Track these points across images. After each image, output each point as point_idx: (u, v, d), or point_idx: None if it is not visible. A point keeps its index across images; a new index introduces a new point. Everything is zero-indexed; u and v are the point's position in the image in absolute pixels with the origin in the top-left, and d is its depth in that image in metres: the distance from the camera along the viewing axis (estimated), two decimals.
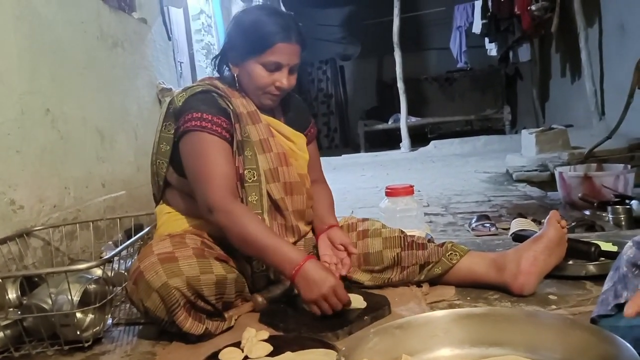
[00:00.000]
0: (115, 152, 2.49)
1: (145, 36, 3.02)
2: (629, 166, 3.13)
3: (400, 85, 7.02)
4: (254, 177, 1.47)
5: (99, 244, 2.05)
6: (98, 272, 1.40)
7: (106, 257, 1.38)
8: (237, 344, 1.18)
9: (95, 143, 2.35)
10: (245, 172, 1.47)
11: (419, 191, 2.08)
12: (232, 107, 1.48)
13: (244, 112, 1.51)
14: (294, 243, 1.54)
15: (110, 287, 1.41)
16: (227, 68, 1.55)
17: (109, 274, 1.44)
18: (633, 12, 4.51)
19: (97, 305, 1.33)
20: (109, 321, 1.43)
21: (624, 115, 2.96)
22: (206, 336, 1.29)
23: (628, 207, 2.61)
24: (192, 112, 1.43)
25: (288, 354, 1.12)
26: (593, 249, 1.52)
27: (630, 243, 0.95)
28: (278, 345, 1.17)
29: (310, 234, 1.63)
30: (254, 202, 1.47)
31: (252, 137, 1.49)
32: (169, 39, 3.39)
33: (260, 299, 1.44)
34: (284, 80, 1.47)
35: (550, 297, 1.39)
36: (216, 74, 1.60)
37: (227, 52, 1.53)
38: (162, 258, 1.28)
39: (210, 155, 1.41)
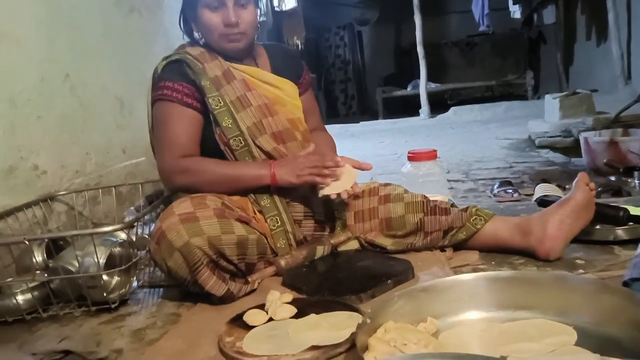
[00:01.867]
0: (135, 119, 2.48)
1: (162, 1, 2.97)
2: None
3: (420, 50, 6.89)
4: (241, 142, 1.49)
5: (121, 209, 2.06)
6: (122, 235, 1.42)
7: (130, 220, 1.39)
8: (262, 307, 1.19)
9: (114, 110, 2.35)
10: (231, 140, 1.48)
11: (439, 157, 2.05)
12: (202, 74, 1.48)
13: (219, 74, 1.51)
14: None
15: (135, 251, 1.42)
16: (193, 30, 1.56)
17: (133, 237, 1.45)
18: None
19: (123, 267, 1.34)
20: (134, 283, 1.45)
21: None
22: (229, 298, 1.30)
23: None
24: (159, 81, 1.49)
25: (312, 315, 1.13)
26: (621, 213, 1.48)
27: None
28: (302, 307, 1.17)
29: None
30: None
31: (229, 97, 1.49)
32: None
33: (283, 262, 1.45)
34: (230, 15, 1.45)
35: (578, 261, 1.36)
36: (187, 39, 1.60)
37: (183, 10, 1.55)
38: (184, 218, 1.28)
39: (167, 122, 1.47)
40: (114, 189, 1.97)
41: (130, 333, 1.23)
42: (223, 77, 1.51)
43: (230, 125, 1.48)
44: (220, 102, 1.49)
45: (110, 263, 1.35)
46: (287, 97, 1.59)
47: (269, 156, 1.51)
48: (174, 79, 1.48)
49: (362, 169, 1.54)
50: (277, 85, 1.59)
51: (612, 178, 2.69)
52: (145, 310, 1.35)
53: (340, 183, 1.46)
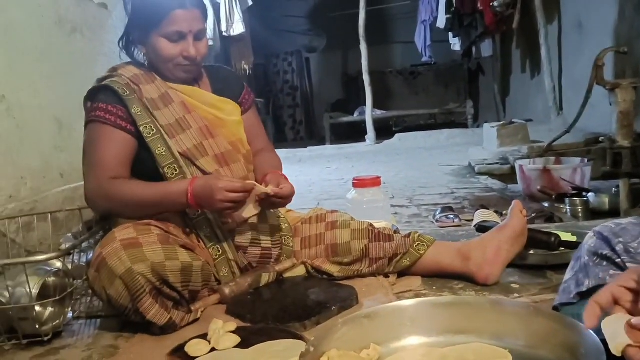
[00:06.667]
0: (74, 140, 2.41)
1: (106, 22, 2.93)
2: (586, 160, 3.23)
3: (365, 78, 7.04)
4: (176, 170, 1.46)
5: (57, 236, 1.98)
6: (57, 264, 1.36)
7: (66, 248, 1.34)
8: (204, 336, 1.17)
9: (52, 132, 2.27)
10: (166, 169, 1.45)
11: (384, 183, 2.10)
12: (133, 100, 1.45)
13: (155, 97, 1.48)
14: None
15: (71, 280, 1.36)
16: (135, 49, 1.54)
17: (69, 266, 1.39)
18: (590, 10, 4.64)
19: (57, 298, 1.29)
20: (69, 315, 1.39)
21: (582, 109, 3.05)
22: (170, 327, 1.27)
23: (585, 199, 2.70)
24: (93, 102, 1.47)
25: (257, 346, 1.11)
26: (553, 238, 1.56)
27: (591, 233, 0.98)
28: (246, 336, 1.16)
29: None
30: None
31: (166, 121, 1.46)
32: None
33: (227, 290, 1.43)
34: (191, 49, 1.46)
35: (513, 285, 1.42)
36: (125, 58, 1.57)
37: (130, 32, 1.52)
38: (126, 244, 1.25)
39: (96, 144, 1.44)
40: (49, 215, 1.89)
41: None
42: (160, 100, 1.49)
43: (164, 153, 1.45)
44: (153, 130, 1.46)
45: (44, 293, 1.29)
46: (228, 118, 1.57)
47: None
48: (107, 101, 1.45)
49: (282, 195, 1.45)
50: (217, 106, 1.57)
51: (546, 204, 2.84)
52: (81, 343, 1.30)
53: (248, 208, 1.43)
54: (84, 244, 1.56)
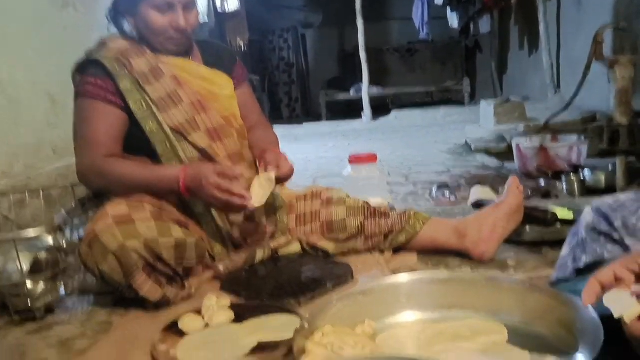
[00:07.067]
0: (67, 117, 2.34)
1: None
2: (583, 137, 3.22)
3: (362, 54, 6.97)
4: (167, 147, 1.43)
5: (51, 214, 1.96)
6: (49, 240, 1.34)
7: (56, 224, 1.32)
8: (198, 312, 1.16)
9: (45, 108, 2.24)
10: (157, 145, 1.43)
11: (380, 160, 2.08)
12: (122, 75, 1.41)
13: (146, 71, 1.44)
14: None
15: (63, 256, 1.35)
16: (123, 21, 1.50)
17: (61, 242, 1.38)
18: None
19: (49, 274, 1.27)
20: (62, 291, 1.37)
21: (580, 86, 3.02)
22: (164, 304, 1.26)
23: (581, 177, 2.69)
24: (81, 76, 1.44)
25: (251, 321, 1.11)
26: (549, 215, 1.55)
27: (588, 209, 0.97)
28: (240, 312, 1.15)
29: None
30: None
31: (157, 95, 1.43)
32: None
33: (221, 266, 1.42)
34: (180, 19, 1.42)
35: (509, 262, 1.42)
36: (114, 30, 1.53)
37: (118, 3, 1.48)
38: (118, 220, 1.24)
39: (87, 120, 1.42)
40: (42, 191, 1.87)
41: (57, 343, 1.17)
42: (151, 73, 1.45)
43: (155, 130, 1.43)
44: (143, 106, 1.42)
45: (36, 269, 1.27)
46: (220, 92, 1.55)
47: (204, 154, 1.46)
48: (97, 75, 1.42)
49: (282, 177, 1.44)
50: (210, 79, 1.54)
51: (542, 182, 2.83)
52: (75, 319, 1.29)
53: (256, 195, 1.37)
54: (77, 221, 1.55)
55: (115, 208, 1.27)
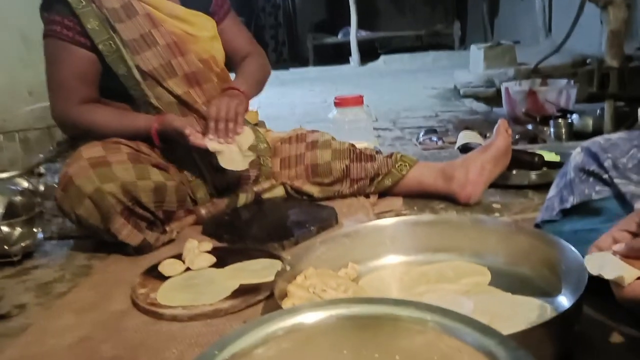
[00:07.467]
0: (42, 56, 2.27)
1: None
2: (572, 82, 3.18)
3: None
4: (140, 93, 1.36)
5: (29, 157, 1.91)
6: (24, 183, 1.30)
7: (30, 166, 1.28)
8: (179, 256, 1.14)
9: (17, 47, 2.14)
10: (130, 90, 1.36)
11: (367, 106, 2.04)
12: (88, 14, 1.30)
13: (117, 7, 1.34)
14: None
15: (39, 200, 1.31)
16: None
17: (38, 186, 1.34)
18: None
19: (25, 217, 1.24)
20: (40, 235, 1.34)
21: (572, 28, 2.96)
22: (145, 248, 1.24)
23: (569, 121, 2.67)
24: (47, 14, 1.34)
25: (233, 264, 1.09)
26: (536, 158, 1.53)
27: (578, 149, 0.94)
28: (222, 256, 1.13)
29: None
30: (152, 115, 1.37)
31: (129, 36, 1.33)
32: None
33: (203, 210, 1.39)
34: None
35: (494, 205, 1.40)
36: None
37: None
38: (93, 162, 1.19)
39: (58, 64, 1.34)
40: (17, 134, 1.81)
41: (35, 287, 1.15)
42: (122, 10, 1.34)
43: (125, 74, 1.34)
44: (113, 47, 1.32)
45: (12, 213, 1.24)
46: (199, 34, 1.45)
47: (180, 101, 1.39)
48: (63, 13, 1.31)
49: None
50: (187, 19, 1.44)
51: (530, 127, 2.81)
52: (53, 263, 1.26)
53: (237, 147, 1.32)
54: (57, 165, 1.50)
55: (90, 150, 1.22)
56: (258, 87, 1.57)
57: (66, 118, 1.34)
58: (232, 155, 1.31)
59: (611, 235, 0.62)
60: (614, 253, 0.60)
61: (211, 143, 1.27)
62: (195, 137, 1.27)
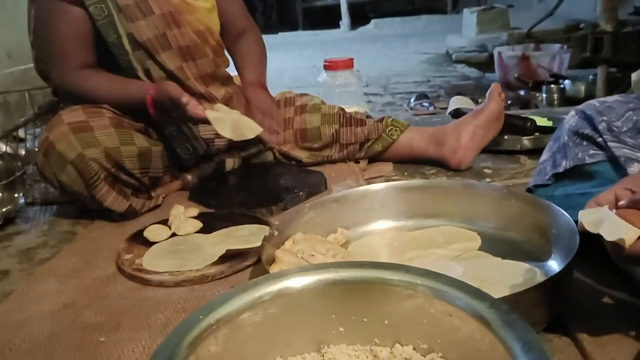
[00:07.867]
0: (22, 16, 2.18)
1: None
2: (565, 47, 3.14)
3: None
4: (129, 64, 1.27)
5: (8, 121, 1.85)
6: (3, 147, 1.26)
7: (8, 129, 1.23)
8: (165, 222, 1.12)
9: None
10: (120, 60, 1.27)
11: (358, 71, 1.99)
12: None
13: None
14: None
15: (19, 164, 1.28)
16: None
17: (17, 150, 1.30)
18: None
19: (4, 182, 1.21)
20: (22, 201, 1.31)
21: None
22: (130, 214, 1.21)
23: (561, 86, 2.65)
24: None
25: (220, 230, 1.07)
26: (529, 123, 1.51)
27: (572, 112, 0.92)
28: (209, 222, 1.11)
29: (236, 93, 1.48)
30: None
31: (123, 1, 1.24)
32: None
33: (190, 176, 1.36)
34: None
35: (485, 170, 1.39)
36: None
37: None
38: (75, 127, 1.15)
39: (52, 25, 1.24)
40: None
41: (18, 253, 1.13)
42: None
43: (115, 42, 1.25)
44: (104, 12, 1.24)
45: None
46: (196, 3, 1.37)
47: (171, 77, 1.31)
48: None
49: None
50: None
51: (522, 92, 2.78)
52: (36, 229, 1.24)
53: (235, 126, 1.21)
54: (38, 129, 1.46)
55: (71, 114, 1.18)
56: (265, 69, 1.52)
57: (67, 83, 1.26)
58: (236, 124, 1.21)
59: (613, 192, 0.60)
60: (611, 208, 0.58)
61: (211, 113, 1.19)
62: (194, 107, 1.16)
